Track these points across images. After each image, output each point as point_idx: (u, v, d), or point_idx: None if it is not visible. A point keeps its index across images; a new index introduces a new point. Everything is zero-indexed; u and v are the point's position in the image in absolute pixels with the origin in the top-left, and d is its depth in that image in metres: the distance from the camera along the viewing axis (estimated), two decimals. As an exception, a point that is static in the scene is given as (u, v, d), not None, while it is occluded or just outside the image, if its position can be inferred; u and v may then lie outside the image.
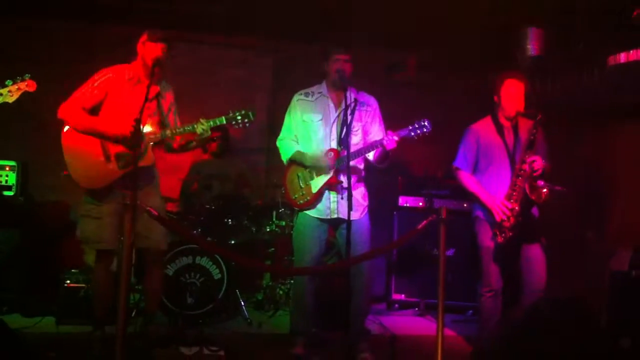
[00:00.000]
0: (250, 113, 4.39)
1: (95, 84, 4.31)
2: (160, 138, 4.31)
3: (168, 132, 4.34)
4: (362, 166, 4.69)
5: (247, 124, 4.40)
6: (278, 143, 4.78)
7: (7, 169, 5.56)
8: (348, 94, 4.33)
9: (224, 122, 4.34)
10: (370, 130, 4.68)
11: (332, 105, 4.63)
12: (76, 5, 5.83)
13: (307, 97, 4.70)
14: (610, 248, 5.62)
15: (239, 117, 4.37)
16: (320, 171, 4.55)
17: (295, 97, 4.73)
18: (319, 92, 4.68)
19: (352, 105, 4.40)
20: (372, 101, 4.73)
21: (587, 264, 5.95)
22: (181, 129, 4.35)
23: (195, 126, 4.29)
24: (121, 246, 3.98)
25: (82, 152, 4.25)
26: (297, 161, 4.64)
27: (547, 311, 3.80)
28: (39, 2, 5.79)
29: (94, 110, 4.33)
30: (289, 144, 4.71)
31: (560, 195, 4.49)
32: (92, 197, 4.29)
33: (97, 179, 4.24)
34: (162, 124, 4.42)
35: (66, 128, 4.31)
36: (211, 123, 4.30)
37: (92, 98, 4.30)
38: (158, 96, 4.42)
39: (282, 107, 4.84)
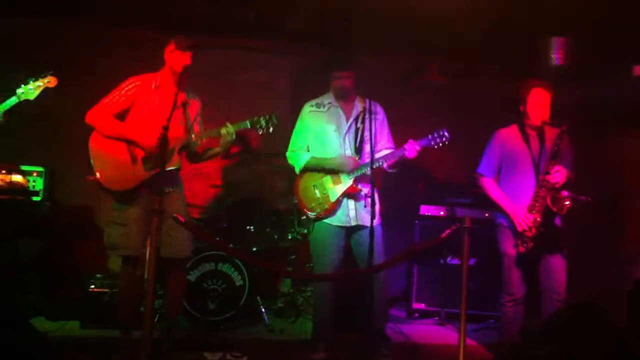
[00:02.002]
0: (274, 117, 4.44)
1: (123, 92, 4.38)
2: (186, 141, 4.35)
3: (194, 135, 4.39)
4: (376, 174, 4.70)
5: (272, 129, 4.43)
6: (288, 155, 4.83)
7: (35, 174, 5.60)
8: (361, 103, 4.57)
9: (249, 126, 4.39)
10: (380, 139, 4.73)
11: (342, 115, 4.72)
12: (94, 9, 5.90)
13: (318, 108, 4.76)
14: (631, 254, 5.60)
15: (262, 122, 4.42)
16: (337, 180, 4.60)
17: (307, 109, 4.79)
18: (329, 103, 4.76)
19: (364, 114, 4.56)
20: (380, 110, 4.80)
21: (608, 270, 5.93)
22: (206, 133, 4.42)
23: (220, 129, 4.34)
24: (144, 251, 4.02)
25: (109, 155, 4.31)
26: (313, 167, 4.69)
27: (568, 319, 3.79)
28: (58, 6, 5.86)
29: (120, 117, 4.40)
30: (300, 154, 4.75)
31: (584, 205, 4.48)
32: (119, 202, 4.34)
33: (124, 180, 4.29)
34: (188, 132, 4.45)
35: (93, 132, 4.37)
36: (235, 127, 4.35)
37: (119, 105, 4.37)
38: (185, 104, 4.47)
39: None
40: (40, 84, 4.29)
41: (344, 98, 4.70)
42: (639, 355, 3.94)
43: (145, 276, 3.70)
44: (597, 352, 3.61)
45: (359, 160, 4.60)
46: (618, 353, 3.65)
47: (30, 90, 4.28)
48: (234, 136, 4.34)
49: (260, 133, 4.45)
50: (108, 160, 4.30)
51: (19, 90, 4.35)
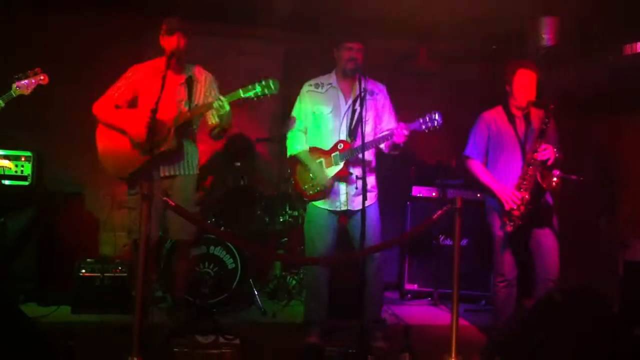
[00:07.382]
0: (271, 82, 4.18)
1: (123, 82, 4.44)
2: (176, 122, 4.31)
3: (186, 111, 4.36)
4: (372, 156, 4.67)
5: (269, 95, 4.21)
6: (288, 134, 4.75)
7: (23, 159, 5.57)
8: (359, 84, 4.30)
9: (241, 95, 4.21)
10: (382, 119, 4.66)
11: (342, 96, 4.60)
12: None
13: (317, 88, 4.66)
14: (622, 236, 5.60)
15: (258, 88, 4.18)
16: (330, 162, 4.55)
17: (305, 88, 4.70)
18: (329, 84, 4.65)
19: (363, 95, 4.34)
20: (381, 89, 4.68)
21: (599, 253, 5.93)
22: (199, 108, 4.39)
23: (212, 103, 4.26)
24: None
25: (113, 144, 4.39)
26: (301, 162, 4.63)
27: (561, 301, 3.80)
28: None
29: (131, 106, 4.47)
30: (298, 136, 4.69)
31: (574, 184, 4.48)
32: (131, 187, 4.42)
33: (125, 166, 4.36)
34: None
35: (99, 125, 4.45)
36: (228, 98, 4.23)
37: (121, 95, 4.44)
38: (188, 83, 4.46)
39: (295, 97, 4.82)
40: (34, 80, 4.32)
41: (351, 73, 4.47)
42: (635, 338, 3.96)
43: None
44: (593, 335, 3.62)
45: (351, 143, 4.52)
46: (615, 339, 3.67)
47: (26, 84, 4.31)
48: (227, 107, 4.21)
49: (255, 99, 4.23)
50: (112, 150, 4.39)
51: (14, 85, 4.35)
